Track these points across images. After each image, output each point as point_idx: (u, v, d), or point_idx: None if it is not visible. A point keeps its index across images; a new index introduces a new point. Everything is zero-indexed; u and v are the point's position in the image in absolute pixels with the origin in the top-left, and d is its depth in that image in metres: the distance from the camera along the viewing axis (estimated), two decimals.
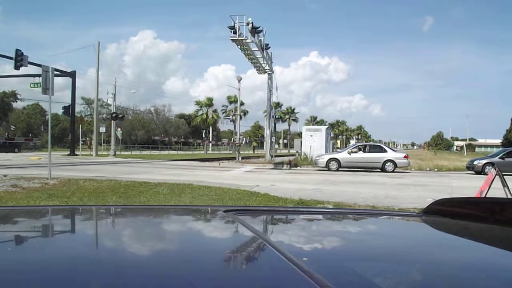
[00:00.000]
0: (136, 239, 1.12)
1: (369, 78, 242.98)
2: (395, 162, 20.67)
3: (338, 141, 76.79)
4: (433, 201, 1.48)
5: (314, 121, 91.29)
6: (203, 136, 71.79)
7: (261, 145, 73.40)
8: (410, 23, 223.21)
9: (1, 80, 41.88)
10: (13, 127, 60.26)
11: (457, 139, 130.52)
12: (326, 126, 33.58)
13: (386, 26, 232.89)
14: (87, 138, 46.32)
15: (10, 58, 25.70)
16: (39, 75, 15.16)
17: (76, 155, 33.63)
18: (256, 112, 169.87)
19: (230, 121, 73.76)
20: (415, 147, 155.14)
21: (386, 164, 20.59)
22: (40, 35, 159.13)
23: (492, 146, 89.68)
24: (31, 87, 28.02)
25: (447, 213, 1.39)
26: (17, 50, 24.88)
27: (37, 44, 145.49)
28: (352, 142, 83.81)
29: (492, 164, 17.85)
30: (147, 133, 70.16)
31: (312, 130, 28.83)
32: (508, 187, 6.81)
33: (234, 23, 22.93)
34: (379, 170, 20.46)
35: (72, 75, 35.46)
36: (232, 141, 40.24)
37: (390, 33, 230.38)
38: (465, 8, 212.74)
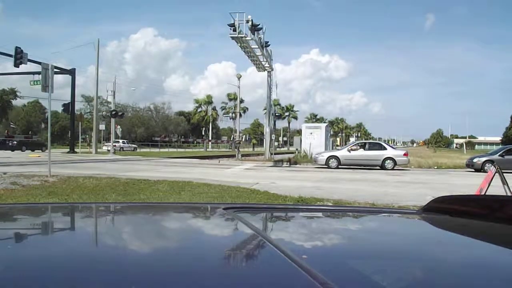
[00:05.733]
0: (136, 237, 1.12)
1: (370, 76, 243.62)
2: (394, 160, 20.67)
3: (338, 139, 76.74)
4: (433, 198, 1.48)
5: (314, 118, 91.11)
6: (203, 133, 71.79)
7: (260, 142, 73.38)
8: (412, 21, 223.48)
9: (2, 77, 42.09)
10: (13, 125, 60.22)
11: (456, 137, 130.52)
12: (326, 124, 33.55)
13: (387, 24, 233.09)
14: (87, 136, 46.34)
15: (10, 55, 25.68)
16: (39, 73, 15.13)
17: (76, 152, 33.65)
18: (256, 109, 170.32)
19: (230, 119, 73.76)
20: (414, 144, 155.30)
21: (386, 161, 20.59)
22: (41, 32, 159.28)
23: (492, 143, 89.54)
24: (31, 85, 28.00)
25: (446, 210, 1.38)
26: (16, 48, 24.85)
27: (38, 41, 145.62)
28: (352, 139, 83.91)
29: (491, 161, 17.88)
30: (147, 131, 70.17)
31: (311, 128, 28.80)
32: (507, 185, 6.81)
33: (234, 20, 22.91)
34: (379, 168, 20.46)
35: (72, 72, 35.46)
36: (231, 139, 40.24)
37: (391, 30, 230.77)
38: (466, 6, 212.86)
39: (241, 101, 56.09)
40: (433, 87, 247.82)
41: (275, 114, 40.91)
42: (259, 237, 1.02)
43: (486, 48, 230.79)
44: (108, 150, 35.47)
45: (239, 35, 23.01)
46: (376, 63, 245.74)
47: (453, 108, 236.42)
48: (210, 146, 66.56)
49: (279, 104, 71.81)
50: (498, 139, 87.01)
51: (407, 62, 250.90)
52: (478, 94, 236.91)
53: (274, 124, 40.99)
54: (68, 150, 34.95)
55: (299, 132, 51.31)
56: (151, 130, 72.12)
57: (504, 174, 7.05)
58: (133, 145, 55.11)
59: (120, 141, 51.39)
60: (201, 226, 1.36)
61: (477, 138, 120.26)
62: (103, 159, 24.92)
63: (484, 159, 20.45)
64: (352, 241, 1.16)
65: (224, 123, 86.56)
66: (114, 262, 0.83)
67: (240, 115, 45.88)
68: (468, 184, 12.40)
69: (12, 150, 35.05)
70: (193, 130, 79.36)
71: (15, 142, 40.24)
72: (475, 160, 20.85)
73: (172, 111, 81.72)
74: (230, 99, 73.08)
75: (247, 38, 23.68)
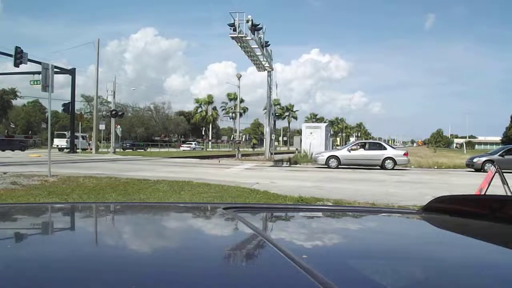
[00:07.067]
0: (136, 236, 1.12)
1: (370, 76, 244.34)
2: (394, 160, 20.66)
3: (338, 139, 76.79)
4: (433, 198, 1.48)
5: (314, 118, 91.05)
6: (203, 133, 71.82)
7: (260, 142, 73.35)
8: (412, 21, 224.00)
9: (2, 77, 42.19)
10: (13, 125, 60.20)
11: (456, 137, 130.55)
12: (326, 124, 33.55)
13: (388, 24, 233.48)
14: (87, 136, 46.37)
15: (10, 55, 25.65)
16: (39, 73, 15.13)
17: (76, 152, 33.64)
18: (256, 109, 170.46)
19: (230, 119, 73.77)
20: (414, 144, 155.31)
21: (386, 161, 20.58)
22: (41, 32, 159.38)
23: (492, 143, 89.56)
24: (31, 84, 28.02)
25: (447, 210, 1.38)
26: (16, 48, 24.83)
27: (39, 41, 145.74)
28: (352, 139, 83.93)
29: (491, 161, 17.87)
30: (147, 131, 70.17)
31: (311, 128, 28.78)
32: (507, 185, 6.80)
33: (234, 20, 22.90)
34: (379, 168, 20.46)
35: (72, 72, 35.46)
36: (231, 139, 40.28)
37: (392, 30, 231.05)
38: (467, 5, 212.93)
39: (241, 101, 56.07)
40: (433, 87, 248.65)
41: (275, 114, 40.95)
42: (259, 237, 1.02)
43: (486, 48, 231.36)
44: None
45: (239, 35, 22.99)
46: (376, 63, 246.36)
47: (453, 108, 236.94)
48: (210, 146, 66.75)
49: (279, 104, 71.83)
50: (498, 139, 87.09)
51: (407, 62, 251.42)
52: (478, 94, 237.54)
53: (274, 124, 41.01)
54: (68, 150, 34.92)
55: (299, 132, 51.34)
56: (151, 130, 72.08)
57: (504, 174, 7.04)
58: (201, 145, 64.82)
59: (193, 143, 62.54)
60: (201, 226, 1.36)
61: (477, 138, 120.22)
62: (103, 159, 24.91)
63: (484, 159, 20.43)
64: (352, 241, 1.16)
65: (224, 123, 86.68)
66: (114, 262, 0.83)
67: (240, 115, 45.90)
68: (468, 184, 12.39)
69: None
70: (193, 130, 79.34)
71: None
72: (475, 160, 20.83)
73: (172, 111, 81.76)
74: (230, 99, 73.05)
75: (247, 38, 23.66)
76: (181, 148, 59.83)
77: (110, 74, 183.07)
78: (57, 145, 38.82)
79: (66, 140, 38.58)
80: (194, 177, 12.20)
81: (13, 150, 34.33)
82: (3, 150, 33.18)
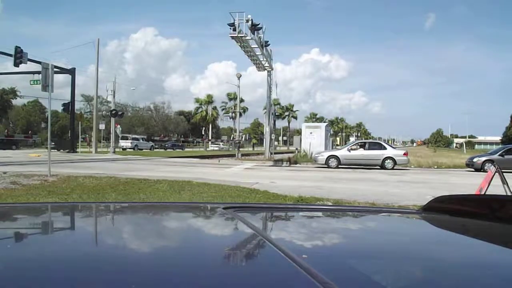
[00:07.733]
0: (136, 236, 1.12)
1: (370, 76, 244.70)
2: (394, 160, 20.66)
3: (338, 138, 76.84)
4: (433, 198, 1.48)
5: (314, 118, 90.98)
6: (203, 133, 71.78)
7: (260, 142, 73.35)
8: (412, 21, 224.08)
9: (2, 77, 42.35)
10: (11, 124, 60.23)
11: (456, 136, 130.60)
12: (326, 123, 33.50)
13: (388, 24, 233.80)
14: (87, 135, 46.40)
15: (10, 55, 25.63)
16: (39, 72, 15.11)
17: (76, 152, 33.62)
18: (256, 109, 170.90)
19: (230, 118, 73.68)
20: (414, 144, 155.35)
21: (386, 161, 20.58)
22: (42, 32, 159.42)
23: (491, 143, 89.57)
24: (31, 84, 27.99)
25: (446, 210, 1.38)
26: (16, 47, 24.80)
27: (39, 41, 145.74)
28: (352, 139, 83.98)
29: (491, 161, 17.87)
30: (147, 130, 70.19)
31: (311, 127, 28.76)
32: (507, 184, 6.80)
33: (234, 20, 22.89)
34: (379, 167, 20.46)
35: (72, 72, 35.41)
36: (231, 138, 40.33)
37: (392, 30, 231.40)
38: (467, 5, 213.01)
39: (241, 100, 56.02)
40: (433, 87, 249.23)
41: (275, 113, 40.95)
42: (259, 237, 1.02)
43: (486, 48, 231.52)
44: None
45: (239, 35, 22.98)
46: (376, 63, 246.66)
47: (453, 108, 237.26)
48: (210, 146, 66.73)
49: (279, 104, 71.78)
50: (498, 138, 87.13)
51: (407, 61, 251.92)
52: (478, 94, 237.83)
53: (274, 124, 40.98)
54: (68, 149, 34.91)
55: (299, 131, 51.31)
56: (151, 130, 72.10)
57: (504, 173, 7.04)
58: (227, 146, 67.58)
59: (220, 143, 65.71)
60: (201, 225, 1.36)
61: (477, 137, 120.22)
62: (103, 159, 24.90)
63: (484, 158, 20.43)
64: (352, 241, 1.16)
65: (224, 122, 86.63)
66: (114, 262, 0.83)
67: (240, 115, 45.85)
68: (468, 183, 12.39)
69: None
70: (193, 129, 79.30)
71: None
72: (475, 160, 20.83)
73: (172, 110, 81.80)
74: (230, 99, 72.95)
75: (247, 38, 23.64)
76: (209, 148, 64.32)
77: (110, 74, 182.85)
78: (122, 146, 43.57)
79: (131, 142, 44.12)
80: (194, 176, 12.19)
81: (59, 150, 35.16)
82: (58, 150, 34.62)
